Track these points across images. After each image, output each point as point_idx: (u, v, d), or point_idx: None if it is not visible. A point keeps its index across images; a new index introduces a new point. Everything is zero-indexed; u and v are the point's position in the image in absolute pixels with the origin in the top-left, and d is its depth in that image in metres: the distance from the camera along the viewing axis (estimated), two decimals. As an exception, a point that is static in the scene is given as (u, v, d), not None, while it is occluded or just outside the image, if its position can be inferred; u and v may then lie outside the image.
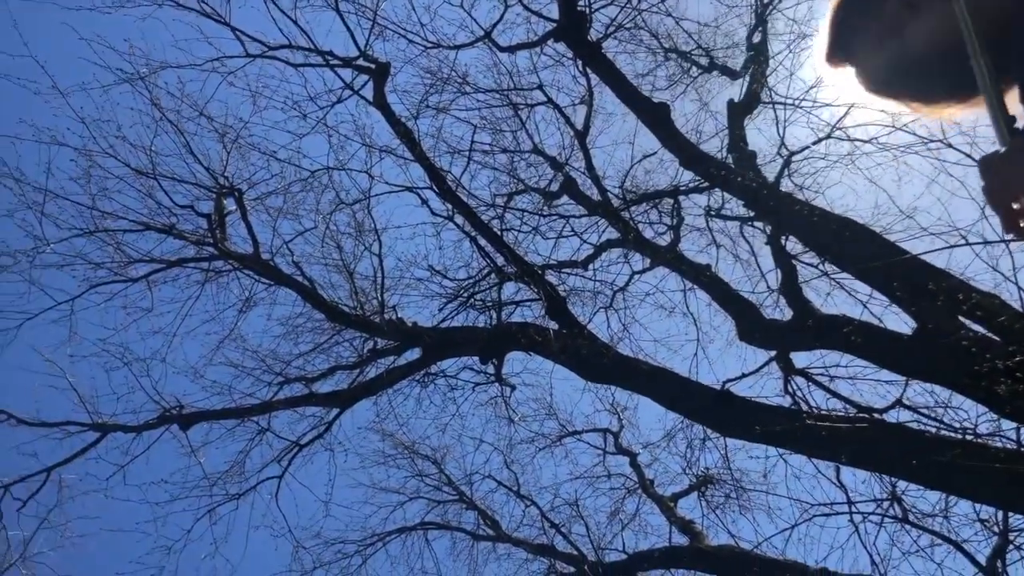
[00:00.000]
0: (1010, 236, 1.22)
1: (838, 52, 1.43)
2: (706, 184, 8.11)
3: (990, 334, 6.18)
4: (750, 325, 7.84)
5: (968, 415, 6.65)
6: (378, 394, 8.98)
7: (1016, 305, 6.19)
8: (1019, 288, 6.12)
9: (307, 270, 9.17)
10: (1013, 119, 1.20)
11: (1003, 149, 1.21)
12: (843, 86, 1.53)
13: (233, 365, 9.34)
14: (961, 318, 6.21)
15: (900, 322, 7.07)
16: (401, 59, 9.11)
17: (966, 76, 1.24)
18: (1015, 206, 1.18)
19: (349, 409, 9.38)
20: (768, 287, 8.76)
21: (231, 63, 8.13)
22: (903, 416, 7.46)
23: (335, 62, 8.30)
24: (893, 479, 6.99)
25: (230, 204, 8.98)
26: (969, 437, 6.11)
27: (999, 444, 5.76)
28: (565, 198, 9.76)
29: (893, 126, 7.25)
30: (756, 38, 8.85)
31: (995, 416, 6.11)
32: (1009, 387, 5.28)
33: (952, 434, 6.38)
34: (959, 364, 5.76)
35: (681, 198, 9.33)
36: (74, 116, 8.27)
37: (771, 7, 8.78)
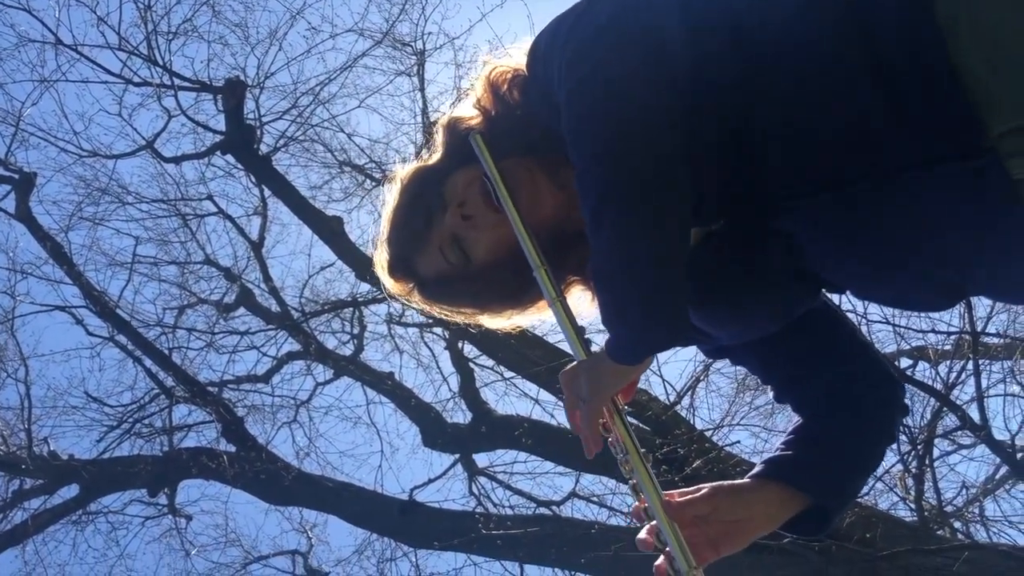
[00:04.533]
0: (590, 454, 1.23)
1: (399, 268, 1.37)
2: (384, 295, 8.22)
3: (643, 425, 6.82)
4: (433, 431, 7.98)
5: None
6: (23, 543, 7.83)
7: (663, 398, 6.91)
8: (663, 380, 6.87)
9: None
10: (583, 330, 1.24)
11: (579, 360, 1.23)
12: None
13: None
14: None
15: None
16: (51, 168, 8.35)
17: (524, 284, 1.26)
18: (601, 420, 1.22)
19: (-11, 564, 8.09)
20: (450, 390, 9.00)
21: None
22: (577, 505, 7.99)
23: (-33, 172, 7.44)
24: (571, 572, 7.34)
25: None
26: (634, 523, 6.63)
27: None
28: (242, 310, 9.41)
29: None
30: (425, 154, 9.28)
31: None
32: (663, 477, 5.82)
33: (621, 520, 6.89)
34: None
35: (363, 307, 9.39)
36: None
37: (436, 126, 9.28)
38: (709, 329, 1.25)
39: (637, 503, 1.20)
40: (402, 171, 1.39)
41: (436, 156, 1.37)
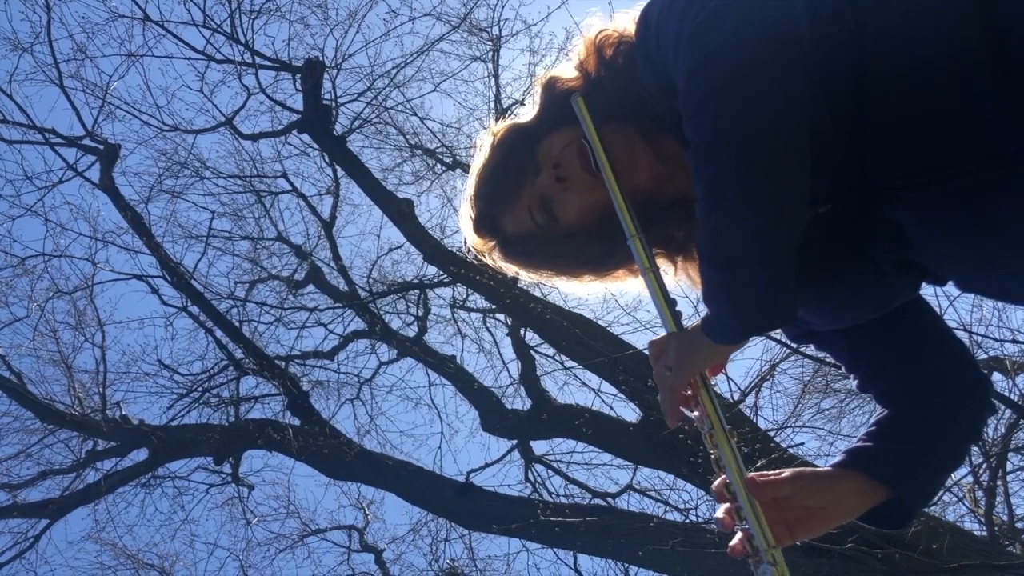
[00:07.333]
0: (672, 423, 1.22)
1: (483, 225, 1.36)
2: (450, 279, 8.28)
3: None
4: (493, 416, 8.02)
5: (691, 496, 7.21)
6: (96, 502, 8.11)
7: (727, 395, 6.83)
8: (728, 377, 6.78)
9: (16, 364, 8.27)
10: (675, 302, 1.22)
11: (667, 332, 1.22)
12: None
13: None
14: (682, 409, 6.73)
15: (629, 410, 7.57)
16: (134, 140, 8.63)
17: (608, 251, 1.26)
18: (687, 393, 1.20)
19: (62, 520, 8.41)
20: (510, 377, 9.04)
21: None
22: (633, 499, 7.96)
23: (57, 141, 7.71)
24: (625, 564, 7.31)
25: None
26: (692, 519, 6.57)
27: (715, 528, 6.21)
28: (311, 287, 9.59)
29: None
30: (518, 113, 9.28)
31: (712, 499, 6.63)
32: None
33: (677, 515, 6.84)
34: (678, 452, 6.22)
35: (428, 290, 9.48)
36: None
37: (509, 112, 9.28)
38: (806, 313, 1.23)
39: (718, 479, 1.19)
40: (496, 128, 1.38)
41: (531, 115, 1.35)
